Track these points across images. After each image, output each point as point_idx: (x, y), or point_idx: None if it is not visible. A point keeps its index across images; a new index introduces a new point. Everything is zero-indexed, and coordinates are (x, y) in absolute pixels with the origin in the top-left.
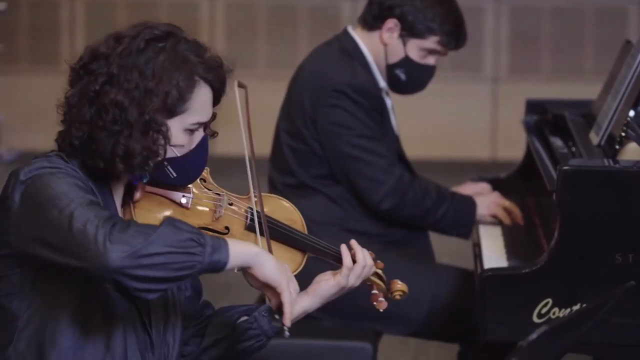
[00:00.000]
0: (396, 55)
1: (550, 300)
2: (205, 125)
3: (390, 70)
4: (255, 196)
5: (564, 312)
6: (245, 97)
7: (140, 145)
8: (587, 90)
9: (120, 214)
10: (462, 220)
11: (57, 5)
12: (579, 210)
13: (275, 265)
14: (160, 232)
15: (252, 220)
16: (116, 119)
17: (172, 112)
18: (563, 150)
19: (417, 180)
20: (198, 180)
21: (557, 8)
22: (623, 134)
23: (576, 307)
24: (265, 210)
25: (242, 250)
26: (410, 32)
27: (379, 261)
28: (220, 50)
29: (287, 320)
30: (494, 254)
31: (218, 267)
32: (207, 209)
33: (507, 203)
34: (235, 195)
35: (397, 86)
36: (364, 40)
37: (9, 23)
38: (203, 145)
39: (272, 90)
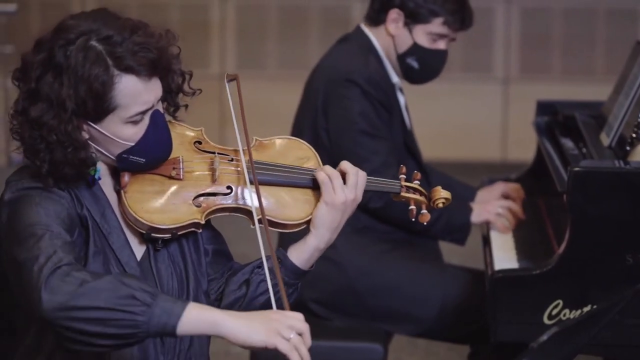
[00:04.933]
0: (405, 44)
1: (560, 302)
2: (150, 109)
3: (402, 60)
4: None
5: (575, 314)
6: (237, 86)
7: (64, 158)
8: (597, 91)
9: (113, 203)
10: (455, 227)
11: (68, 6)
12: (589, 211)
13: (247, 329)
14: (100, 287)
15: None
16: (36, 137)
17: (100, 115)
18: (574, 152)
19: None
20: (192, 144)
21: (567, 9)
22: (634, 135)
23: (587, 309)
24: (268, 155)
25: (197, 318)
26: (414, 19)
27: (415, 172)
28: (230, 50)
29: None
30: (504, 255)
31: (166, 330)
32: (204, 174)
33: (500, 210)
34: (234, 148)
35: (411, 75)
36: (374, 36)
37: (19, 24)
38: (156, 123)
39: (283, 90)
